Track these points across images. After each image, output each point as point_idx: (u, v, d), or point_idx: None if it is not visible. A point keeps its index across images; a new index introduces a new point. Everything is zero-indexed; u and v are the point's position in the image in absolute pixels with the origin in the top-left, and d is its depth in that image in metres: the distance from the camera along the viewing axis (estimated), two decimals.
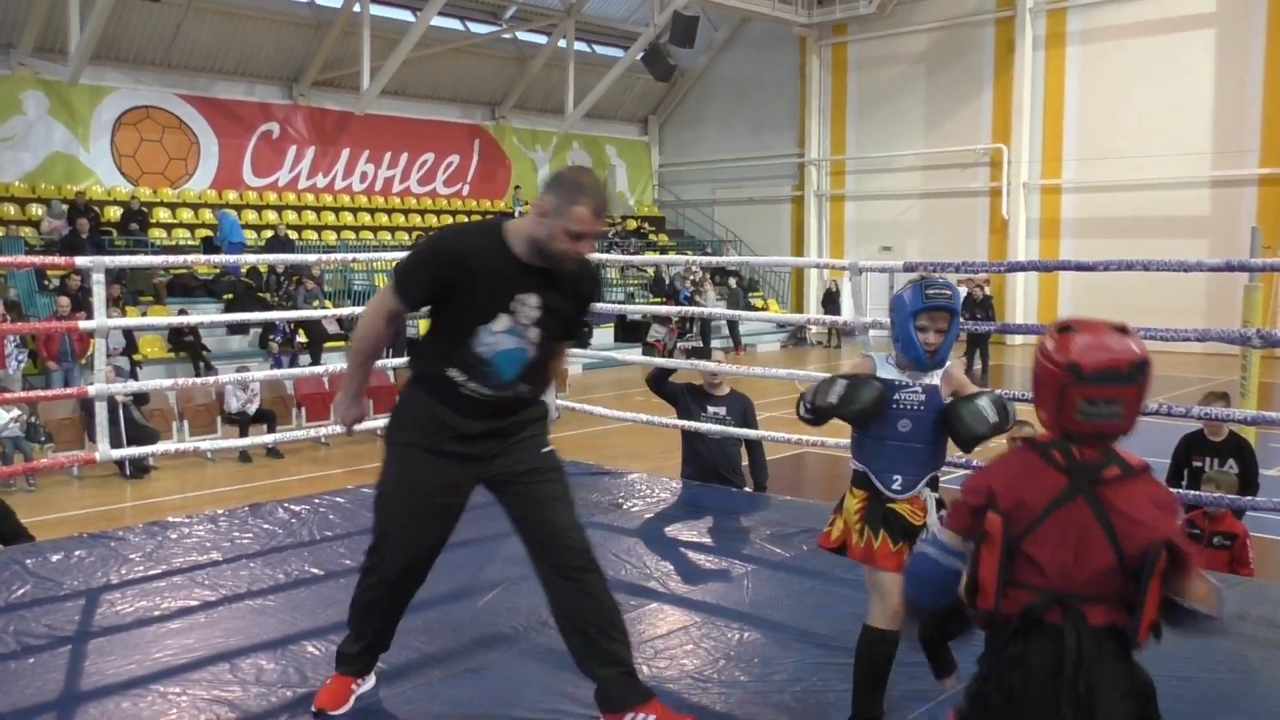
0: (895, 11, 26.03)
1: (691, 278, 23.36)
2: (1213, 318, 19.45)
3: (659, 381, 6.36)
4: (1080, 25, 23.64)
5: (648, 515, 5.58)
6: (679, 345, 19.26)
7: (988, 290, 20.85)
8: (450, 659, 3.57)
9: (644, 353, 20.97)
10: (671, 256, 24.86)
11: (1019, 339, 24.44)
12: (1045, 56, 24.11)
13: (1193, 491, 5.86)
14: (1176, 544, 2.13)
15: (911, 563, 2.46)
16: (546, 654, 3.61)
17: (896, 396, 3.04)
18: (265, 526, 5.32)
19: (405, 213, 24.50)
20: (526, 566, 4.54)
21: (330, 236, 22.41)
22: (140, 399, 11.61)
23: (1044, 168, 24.38)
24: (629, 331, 22.00)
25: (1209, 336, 4.83)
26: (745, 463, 6.45)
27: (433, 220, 24.43)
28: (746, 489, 6.36)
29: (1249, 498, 5.70)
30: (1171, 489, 5.91)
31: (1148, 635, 2.17)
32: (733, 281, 25.64)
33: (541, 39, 26.54)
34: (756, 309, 25.66)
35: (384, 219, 23.94)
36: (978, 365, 18.64)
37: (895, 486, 3.03)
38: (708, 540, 5.22)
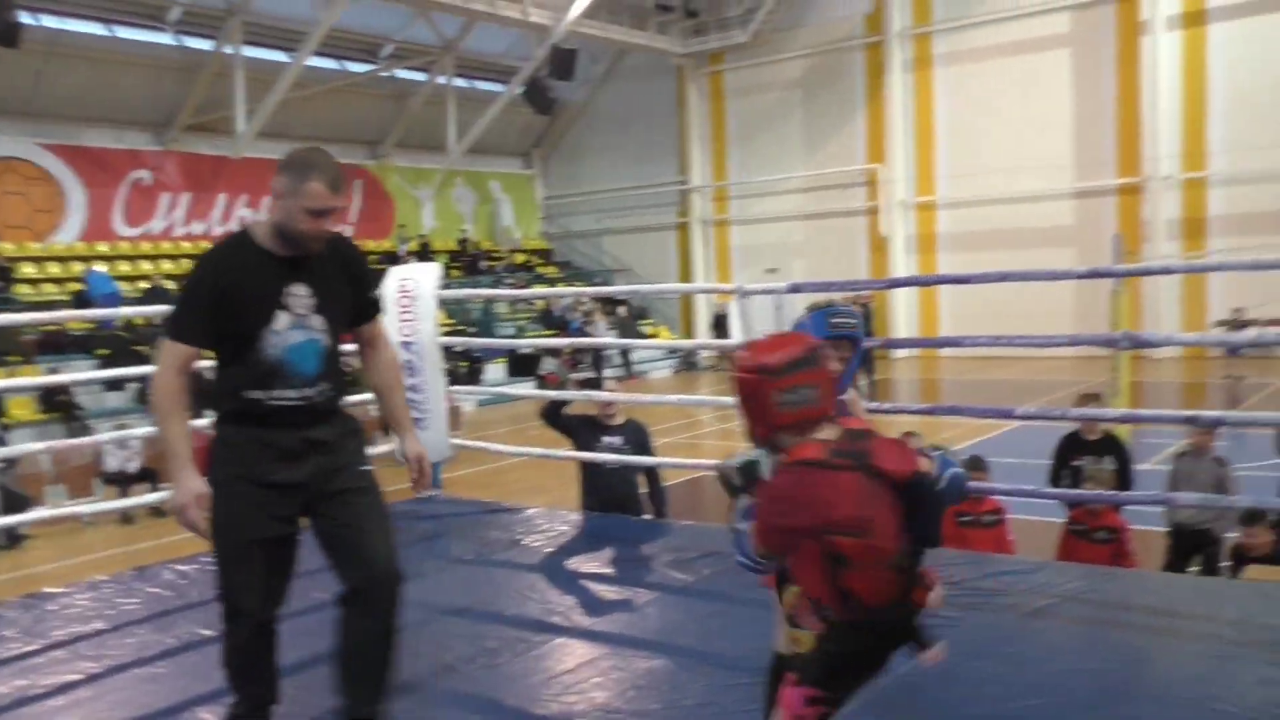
0: (769, 39, 26.65)
1: (582, 308, 23.39)
2: (1082, 322, 20.28)
3: (553, 414, 6.32)
4: (945, 48, 24.58)
5: (548, 549, 5.54)
6: (571, 377, 19.24)
7: (871, 306, 21.38)
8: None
9: (537, 386, 20.89)
10: (560, 289, 24.82)
11: (902, 353, 25.13)
12: (914, 79, 24.98)
13: (1074, 490, 6.08)
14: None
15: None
16: (453, 699, 3.55)
17: None
18: (151, 590, 5.11)
19: None
20: (427, 611, 4.49)
21: None
22: (10, 464, 11.07)
23: (918, 186, 25.19)
24: (521, 366, 21.90)
25: (1080, 341, 5.04)
26: (644, 490, 6.45)
27: None
28: (646, 517, 6.36)
29: (1126, 493, 5.94)
30: (1054, 489, 6.14)
31: None
32: (623, 310, 25.77)
33: (420, 76, 26.41)
34: (647, 336, 25.83)
35: None
36: (863, 381, 19.05)
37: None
38: (610, 571, 5.20)
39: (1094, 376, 14.07)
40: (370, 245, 25.69)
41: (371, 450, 8.32)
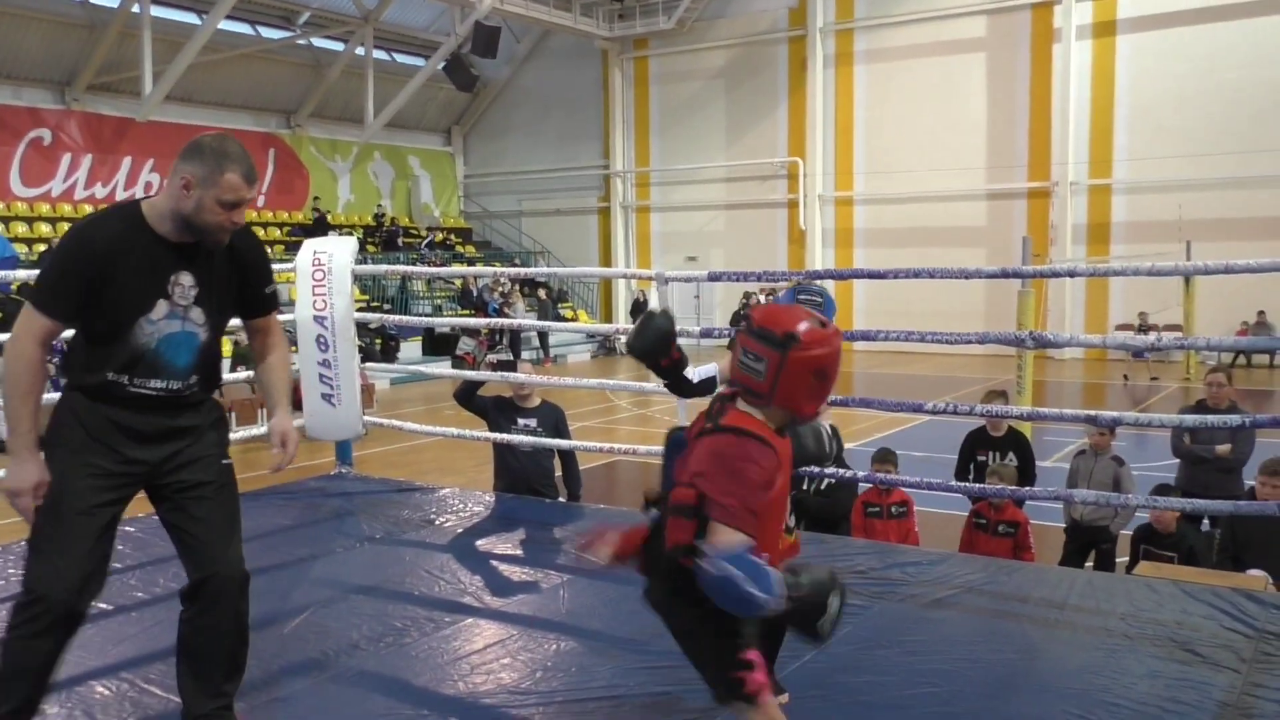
0: (694, 28, 26.70)
1: (500, 289, 23.23)
2: (991, 321, 20.83)
3: (467, 395, 6.26)
4: (865, 46, 24.93)
5: (460, 530, 5.50)
6: (486, 358, 19.12)
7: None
8: (255, 689, 3.40)
9: (453, 366, 20.70)
10: (479, 269, 24.62)
11: None
12: (835, 75, 25.29)
13: (978, 485, 6.25)
14: (700, 495, 2.29)
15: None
16: (358, 677, 3.51)
17: None
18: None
19: None
20: (335, 589, 4.44)
21: None
22: None
23: (837, 180, 25.54)
24: (438, 345, 21.68)
25: (988, 339, 5.16)
26: (558, 474, 6.44)
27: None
28: (560, 499, 6.36)
29: (1027, 488, 6.12)
30: (960, 482, 6.30)
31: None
32: (542, 293, 25.66)
33: (338, 46, 25.87)
34: (566, 320, 25.76)
35: None
36: None
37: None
38: (522, 552, 5.19)
39: (1001, 374, 14.47)
40: (283, 217, 25.15)
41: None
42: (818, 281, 3.66)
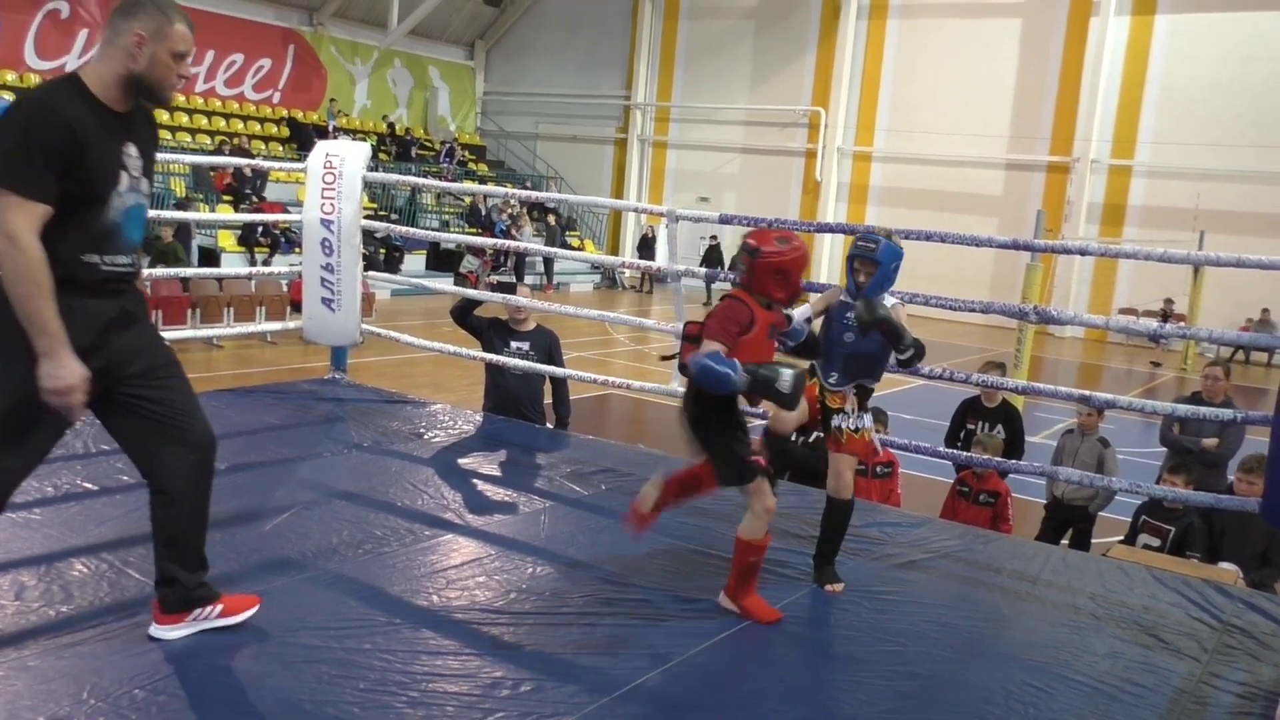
0: None
1: (509, 211, 23.09)
2: (996, 291, 20.78)
3: (463, 313, 6.25)
4: (901, 0, 24.50)
5: (448, 447, 5.54)
6: (487, 278, 19.08)
7: None
8: (233, 583, 3.44)
9: (455, 283, 20.65)
10: (490, 188, 24.49)
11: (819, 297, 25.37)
12: (868, 26, 24.89)
13: (964, 453, 6.28)
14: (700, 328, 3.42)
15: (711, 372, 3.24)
16: (334, 580, 3.55)
17: (846, 315, 3.89)
18: None
19: (208, 115, 23.08)
20: (318, 492, 4.47)
21: None
22: None
23: (858, 135, 25.28)
24: (441, 260, 21.60)
25: (992, 309, 5.15)
26: (548, 401, 6.47)
27: (239, 125, 23.12)
28: (548, 425, 6.39)
29: (1014, 460, 6.15)
30: (948, 449, 6.33)
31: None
32: (551, 218, 25.51)
33: None
34: (573, 248, 25.65)
35: (184, 119, 22.47)
36: None
37: (831, 380, 3.97)
38: (508, 475, 5.22)
39: (1000, 345, 14.47)
40: (298, 114, 24.88)
41: (275, 325, 8.12)
42: (875, 229, 4.00)
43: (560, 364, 6.35)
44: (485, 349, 6.24)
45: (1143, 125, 22.00)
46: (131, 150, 2.77)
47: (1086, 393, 5.50)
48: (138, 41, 2.68)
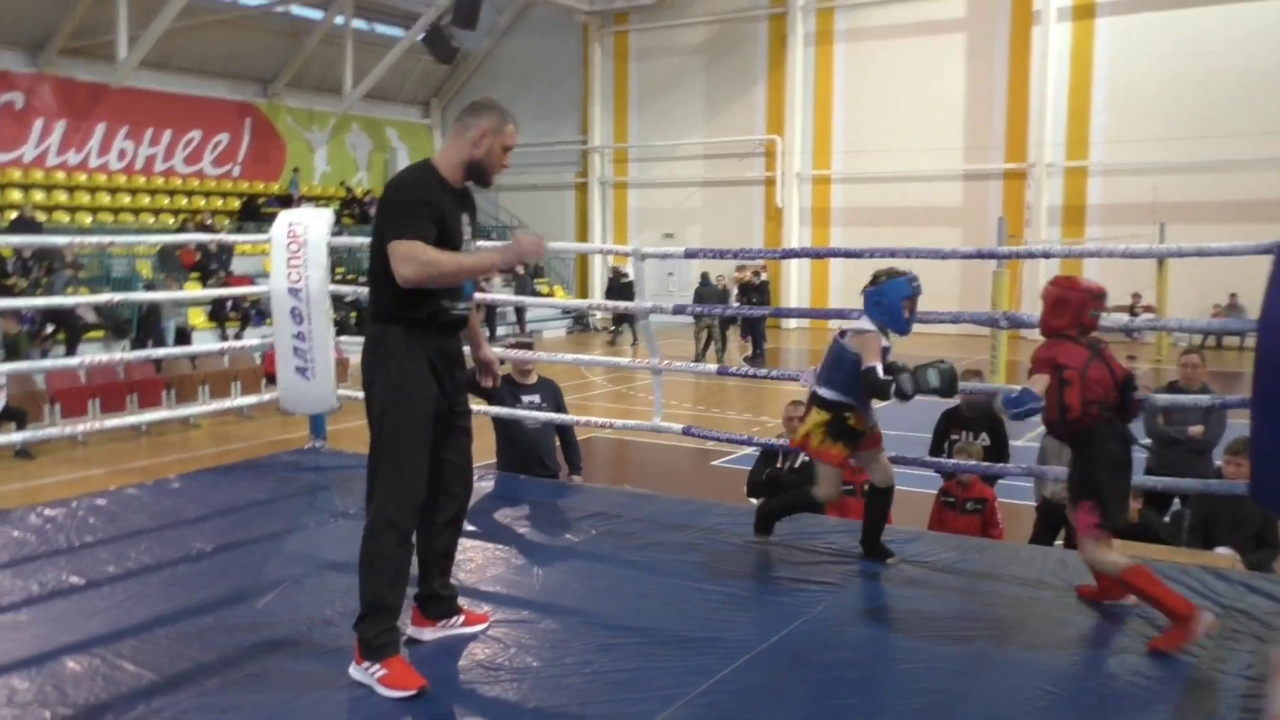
0: (674, 3, 26.56)
1: None
2: (966, 300, 20.93)
3: (473, 375, 6.21)
4: (846, 24, 24.87)
5: None
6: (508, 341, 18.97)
7: (764, 276, 21.62)
8: (228, 665, 3.40)
9: None
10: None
11: (794, 322, 25.53)
12: (815, 53, 25.23)
13: (951, 460, 6.28)
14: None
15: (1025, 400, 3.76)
16: (330, 654, 3.50)
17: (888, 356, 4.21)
18: (16, 534, 4.90)
19: (170, 193, 23.03)
20: (308, 565, 4.42)
21: (85, 218, 20.82)
22: None
23: (815, 159, 25.53)
24: None
25: (962, 319, 5.18)
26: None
27: (200, 202, 23.09)
28: (561, 475, 6.36)
29: (1000, 464, 6.17)
30: (933, 459, 6.34)
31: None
32: (519, 268, 25.52)
33: (317, 14, 25.53)
34: (542, 295, 25.68)
35: (146, 200, 22.42)
36: (736, 349, 19.29)
37: (870, 413, 4.35)
38: (495, 528, 5.18)
39: (975, 353, 14.54)
40: (259, 187, 24.90)
41: (251, 399, 8.07)
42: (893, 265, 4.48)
43: (566, 412, 6.36)
44: (496, 405, 6.19)
45: (1093, 126, 22.33)
46: (464, 218, 3.47)
47: None
48: (482, 134, 3.39)
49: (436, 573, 3.61)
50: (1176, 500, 6.64)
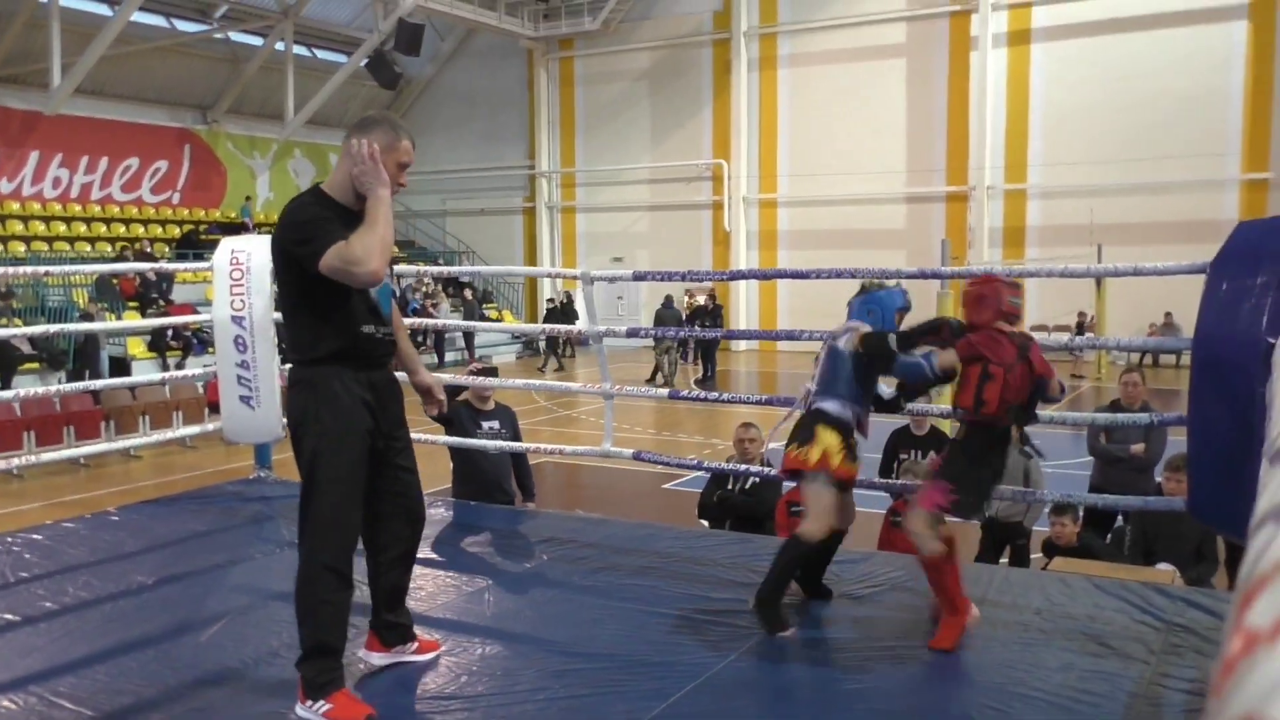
0: (619, 29, 26.74)
1: (424, 288, 22.98)
2: (911, 320, 21.16)
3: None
4: (788, 50, 25.21)
5: None
6: (471, 366, 18.90)
7: (718, 301, 21.76)
8: (171, 701, 3.32)
9: None
10: (402, 268, 24.14)
11: (743, 345, 25.66)
12: (759, 78, 25.52)
13: (900, 482, 6.33)
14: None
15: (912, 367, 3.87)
16: (277, 687, 3.43)
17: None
18: None
19: (107, 221, 22.65)
20: (253, 596, 4.34)
21: (18, 247, 20.38)
22: None
23: (761, 183, 25.78)
24: None
25: None
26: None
27: (139, 230, 22.73)
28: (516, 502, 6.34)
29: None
30: (883, 479, 6.39)
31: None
32: (467, 292, 25.45)
33: (257, 41, 25.36)
34: (491, 320, 25.60)
35: (82, 229, 22.03)
36: (689, 371, 19.37)
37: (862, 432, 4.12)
38: (446, 555, 5.13)
39: None
40: (200, 214, 24.59)
41: (194, 429, 7.90)
42: (889, 283, 4.33)
43: (522, 438, 6.35)
44: (455, 434, 6.14)
45: (1031, 150, 22.81)
46: None
47: None
48: (371, 155, 3.14)
49: (387, 605, 3.56)
50: (1120, 517, 6.75)
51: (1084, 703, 3.26)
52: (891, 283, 4.25)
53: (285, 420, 3.33)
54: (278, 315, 6.47)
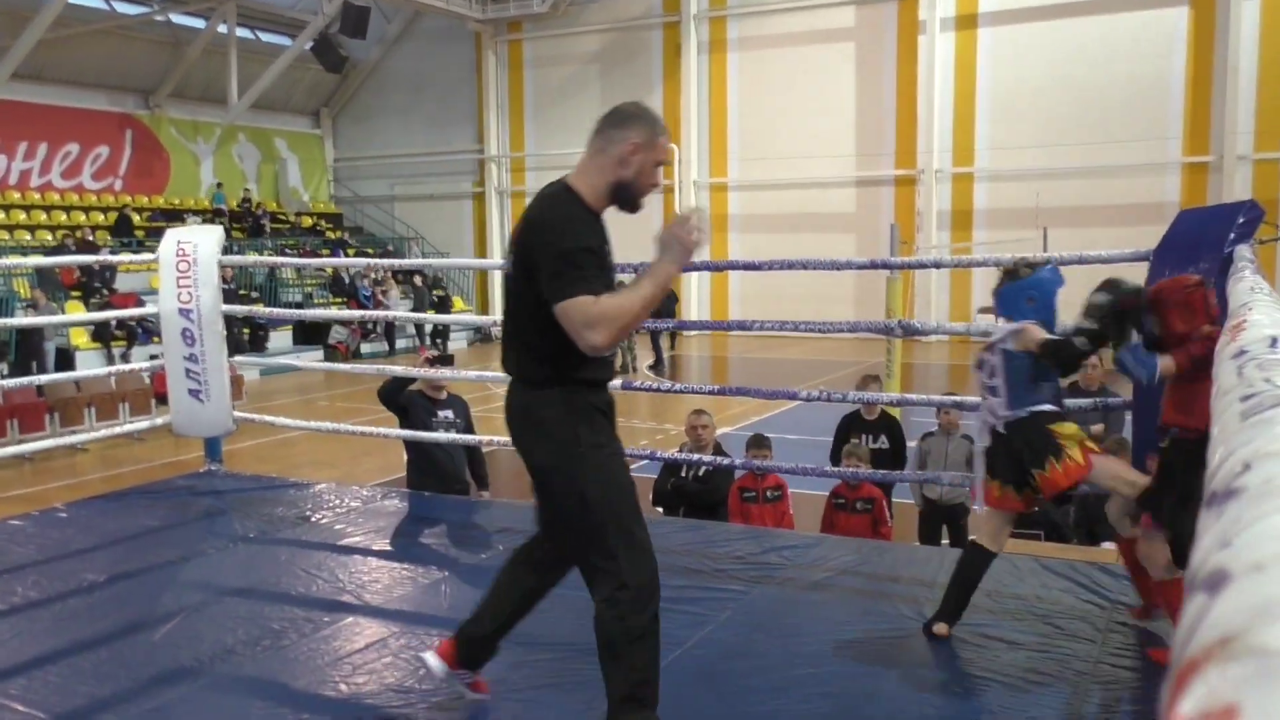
0: (568, 11, 26.59)
1: (373, 276, 22.77)
2: (861, 304, 21.43)
3: (393, 394, 6.14)
4: (738, 33, 25.22)
5: (337, 527, 5.40)
6: (424, 357, 18.78)
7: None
8: (125, 701, 3.29)
9: (326, 357, 20.24)
10: (352, 259, 24.05)
11: (693, 332, 25.74)
12: (709, 61, 25.52)
13: (851, 469, 6.42)
14: None
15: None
16: (235, 684, 3.42)
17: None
18: None
19: (47, 209, 22.15)
20: (207, 593, 4.31)
21: None
22: None
23: (712, 166, 25.80)
24: (309, 333, 21.14)
25: (860, 328, 5.31)
26: None
27: (80, 217, 22.26)
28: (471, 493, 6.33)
29: (899, 471, 6.33)
30: (834, 466, 6.47)
31: None
32: (417, 279, 25.23)
33: (199, 23, 24.87)
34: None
35: (21, 216, 21.52)
36: (644, 361, 19.41)
37: None
38: (402, 548, 5.12)
39: (871, 356, 14.88)
40: (143, 201, 24.14)
41: (143, 423, 7.78)
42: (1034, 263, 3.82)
43: (475, 427, 6.34)
44: (411, 425, 6.10)
45: (978, 133, 23.05)
46: (609, 248, 2.89)
47: (959, 398, 5.70)
48: (632, 149, 2.80)
49: (506, 629, 3.20)
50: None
51: (1035, 683, 3.34)
52: (1040, 259, 3.86)
53: (530, 452, 2.92)
54: (227, 308, 6.40)
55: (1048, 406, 3.53)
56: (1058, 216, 20.71)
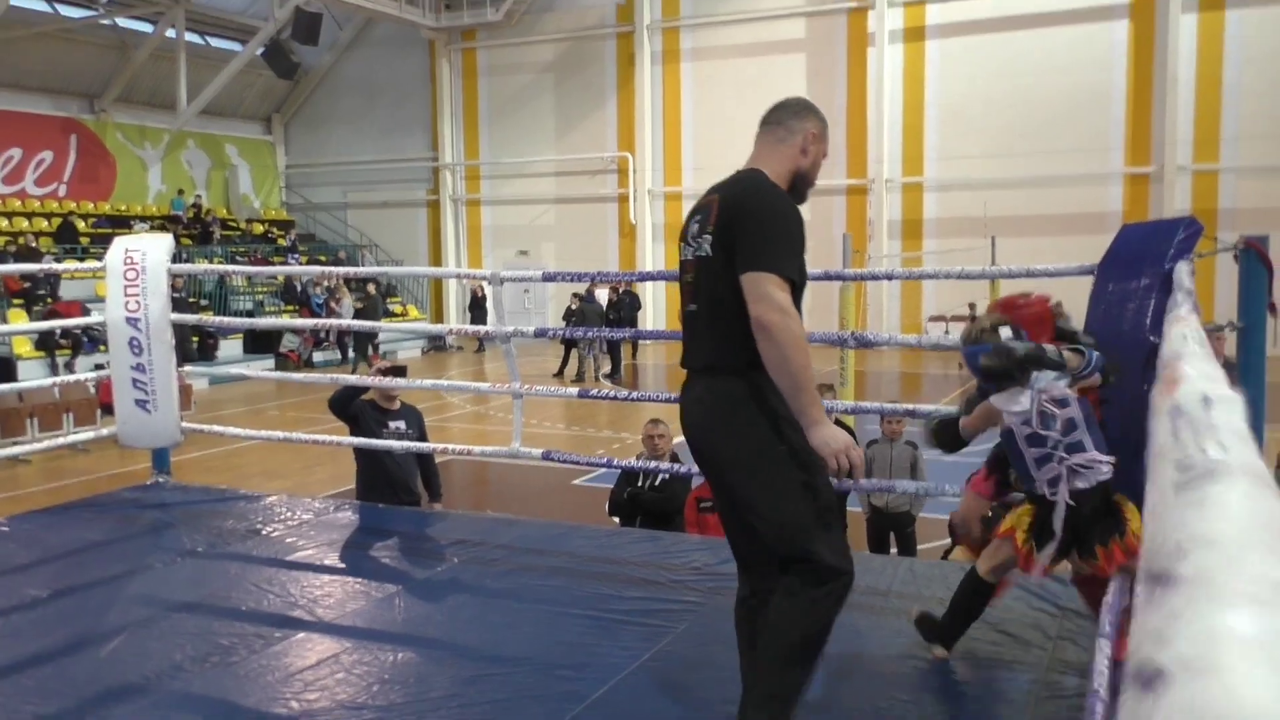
0: (522, 20, 26.57)
1: (326, 284, 22.55)
2: (814, 312, 21.46)
3: (345, 403, 6.07)
4: (691, 44, 25.37)
5: (288, 540, 5.33)
6: (377, 366, 18.59)
7: (626, 288, 21.56)
8: (69, 718, 3.22)
9: (277, 366, 20.02)
10: (305, 268, 23.78)
11: (650, 341, 25.75)
12: (663, 71, 25.62)
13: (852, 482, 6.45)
14: None
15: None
16: (184, 701, 3.36)
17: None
18: None
19: None
20: (154, 608, 4.23)
21: None
22: None
23: (666, 176, 25.89)
24: (259, 341, 20.89)
25: (814, 339, 5.32)
26: None
27: (23, 224, 21.83)
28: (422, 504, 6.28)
29: (855, 480, 6.35)
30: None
31: None
32: (370, 287, 25.02)
33: (147, 27, 24.53)
34: (395, 315, 25.26)
35: None
36: (605, 367, 19.39)
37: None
38: (354, 561, 5.07)
39: (825, 364, 15.00)
40: (88, 207, 23.73)
41: (88, 434, 7.62)
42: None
43: (428, 437, 6.30)
44: (360, 434, 6.05)
45: (927, 144, 23.36)
46: None
47: (911, 406, 5.76)
48: (813, 139, 2.86)
49: None
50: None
51: (989, 690, 3.38)
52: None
53: (742, 436, 2.80)
54: (175, 316, 6.30)
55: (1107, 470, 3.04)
56: (1005, 226, 21.03)
